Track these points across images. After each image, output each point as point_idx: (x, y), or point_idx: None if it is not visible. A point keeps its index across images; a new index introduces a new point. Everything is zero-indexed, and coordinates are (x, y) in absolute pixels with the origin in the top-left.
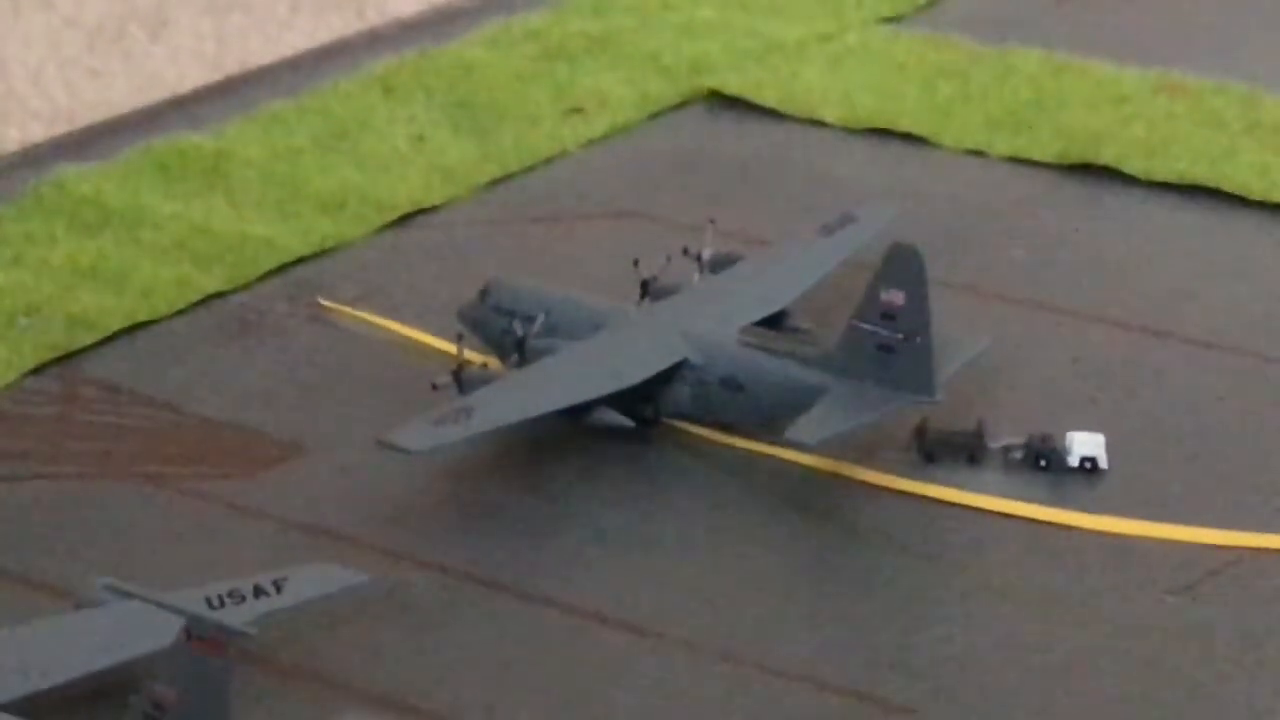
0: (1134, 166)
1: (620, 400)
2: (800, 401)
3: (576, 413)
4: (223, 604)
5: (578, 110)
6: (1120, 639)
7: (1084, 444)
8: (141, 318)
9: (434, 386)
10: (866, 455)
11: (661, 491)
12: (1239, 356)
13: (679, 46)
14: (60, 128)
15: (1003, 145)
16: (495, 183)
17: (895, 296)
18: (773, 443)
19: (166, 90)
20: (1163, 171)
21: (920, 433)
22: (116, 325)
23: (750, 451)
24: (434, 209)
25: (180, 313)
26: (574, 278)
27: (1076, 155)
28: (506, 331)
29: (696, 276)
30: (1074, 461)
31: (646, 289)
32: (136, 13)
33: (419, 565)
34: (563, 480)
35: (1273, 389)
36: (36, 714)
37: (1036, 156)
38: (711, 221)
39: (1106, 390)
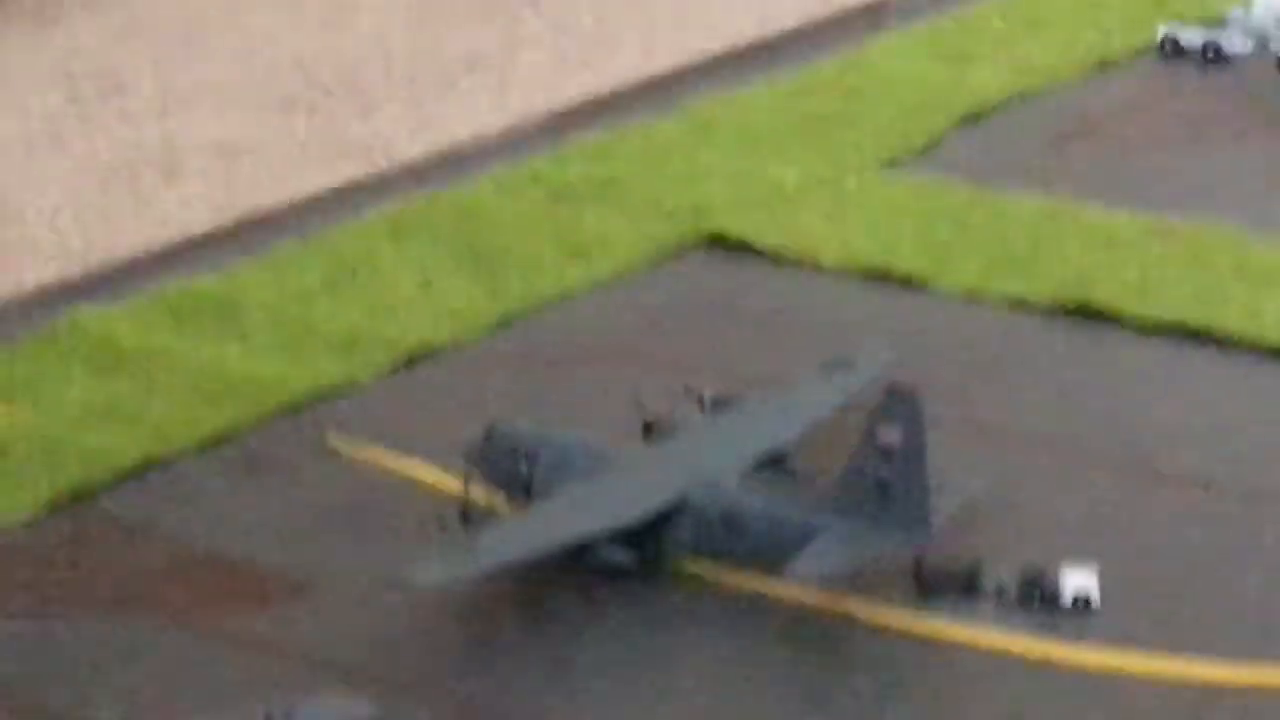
0: (1127, 308)
1: (624, 538)
2: (800, 539)
3: (581, 552)
4: None
5: (580, 254)
6: None
7: (1077, 579)
8: (154, 455)
9: (441, 524)
10: (864, 590)
11: (663, 629)
12: (1229, 495)
13: (681, 191)
14: (74, 269)
15: (999, 288)
16: (501, 324)
17: (892, 436)
18: (772, 580)
19: (178, 232)
20: (1155, 313)
21: (917, 569)
22: (130, 463)
23: (750, 589)
24: (441, 350)
25: (192, 451)
26: (578, 417)
27: (1071, 298)
28: (512, 471)
29: (698, 417)
30: (1067, 600)
31: (649, 429)
32: (148, 157)
33: (425, 699)
34: (567, 617)
35: (1261, 526)
36: None
37: (1032, 299)
38: (712, 365)
39: (1099, 526)
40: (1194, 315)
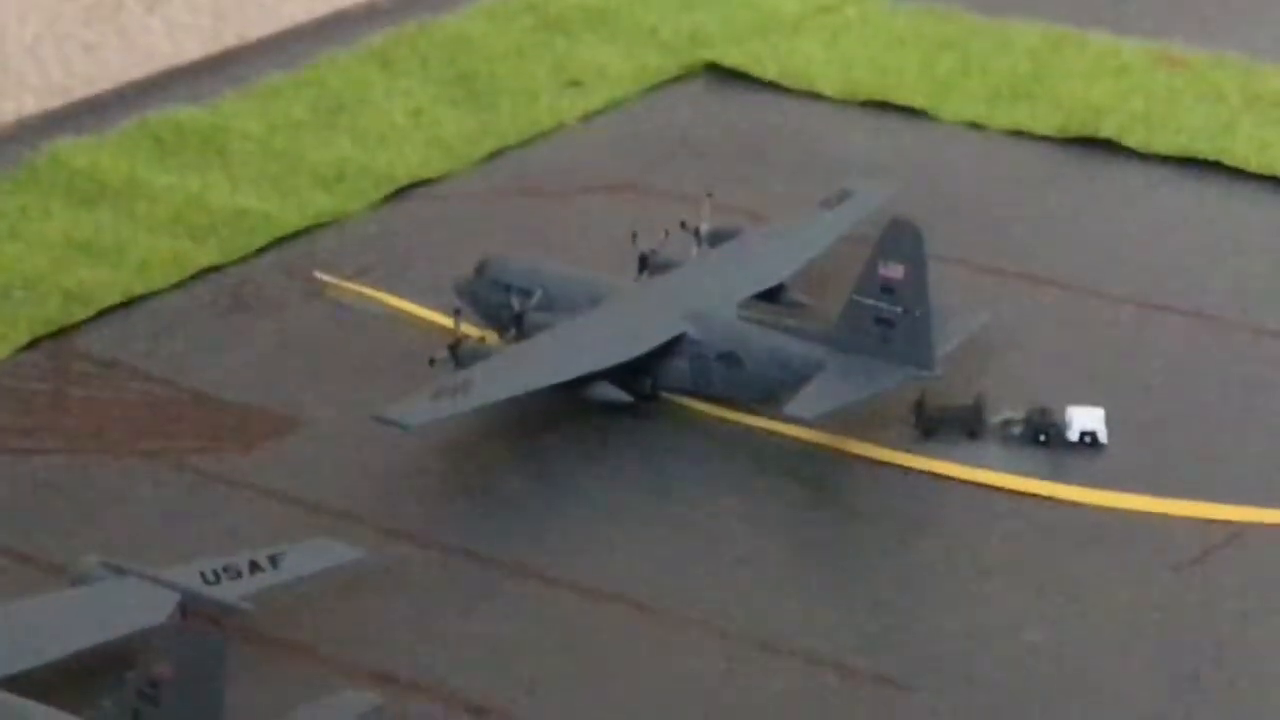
0: (1133, 140)
1: (618, 375)
2: (799, 376)
3: (574, 388)
4: (218, 579)
5: (576, 83)
6: (1120, 614)
7: (1084, 418)
8: (137, 292)
9: (431, 361)
10: (865, 430)
11: (659, 467)
12: (1238, 330)
13: (677, 20)
14: (55, 101)
15: (1002, 118)
16: (493, 156)
17: (894, 271)
18: (771, 417)
19: (163, 63)
20: (1162, 145)
21: (919, 407)
22: (112, 299)
23: (748, 426)
24: (431, 182)
25: (176, 287)
26: (571, 252)
27: (1076, 128)
28: (504, 306)
29: (695, 251)
30: (1074, 436)
31: (645, 263)
32: None
33: (415, 541)
34: (560, 456)
35: (1272, 362)
36: (30, 691)
37: (1036, 130)
38: (709, 195)
39: (1106, 364)
40: (1203, 145)
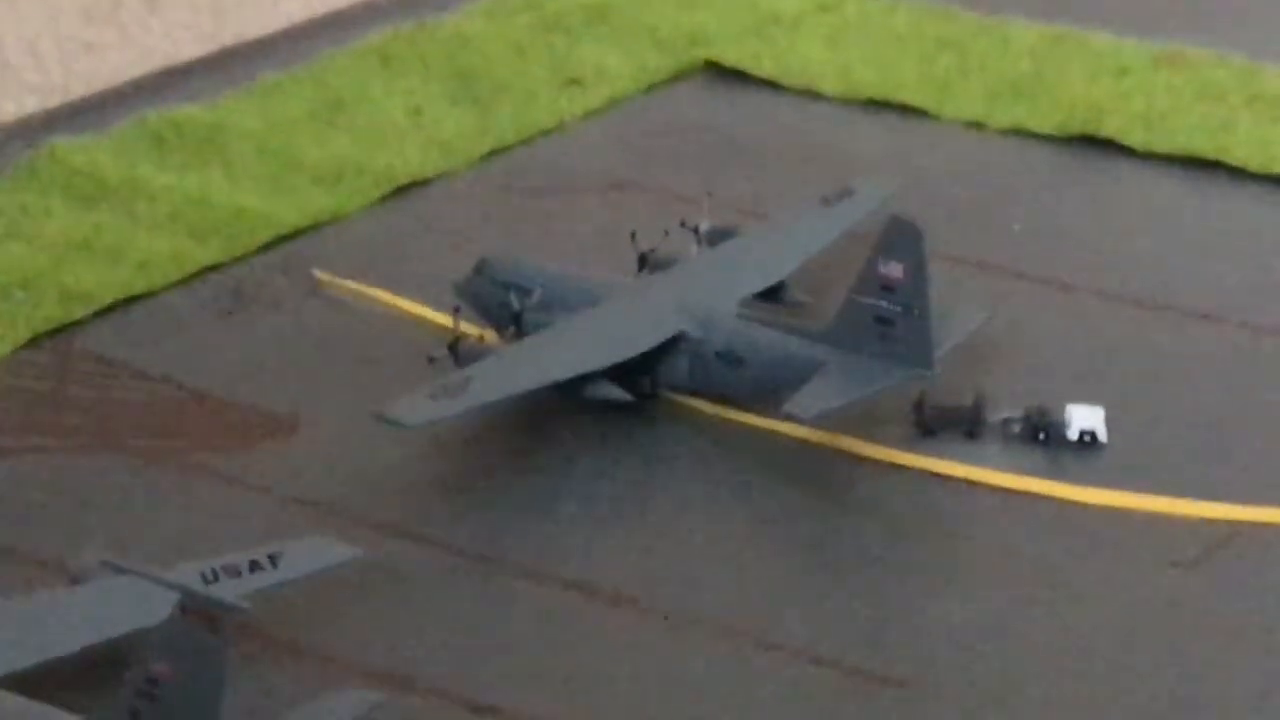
0: (1134, 139)
1: (617, 373)
2: (798, 375)
3: (573, 387)
4: (218, 578)
5: (575, 82)
6: (1121, 613)
7: (1083, 417)
8: (137, 290)
9: (430, 360)
10: (864, 428)
11: (658, 465)
12: (1238, 330)
13: (676, 18)
14: (55, 100)
15: (1002, 117)
16: (492, 155)
17: (894, 270)
18: (770, 416)
19: (162, 62)
20: (1163, 144)
21: (918, 406)
22: (111, 298)
23: (747, 425)
24: (431, 181)
25: (176, 285)
26: (571, 250)
27: (1076, 128)
28: (503, 305)
29: (694, 249)
30: (1073, 435)
31: (644, 262)
32: None
33: (415, 539)
34: (559, 454)
35: (1273, 361)
36: (30, 690)
37: (1036, 129)
38: (709, 194)
39: (1105, 364)
40: (1203, 145)
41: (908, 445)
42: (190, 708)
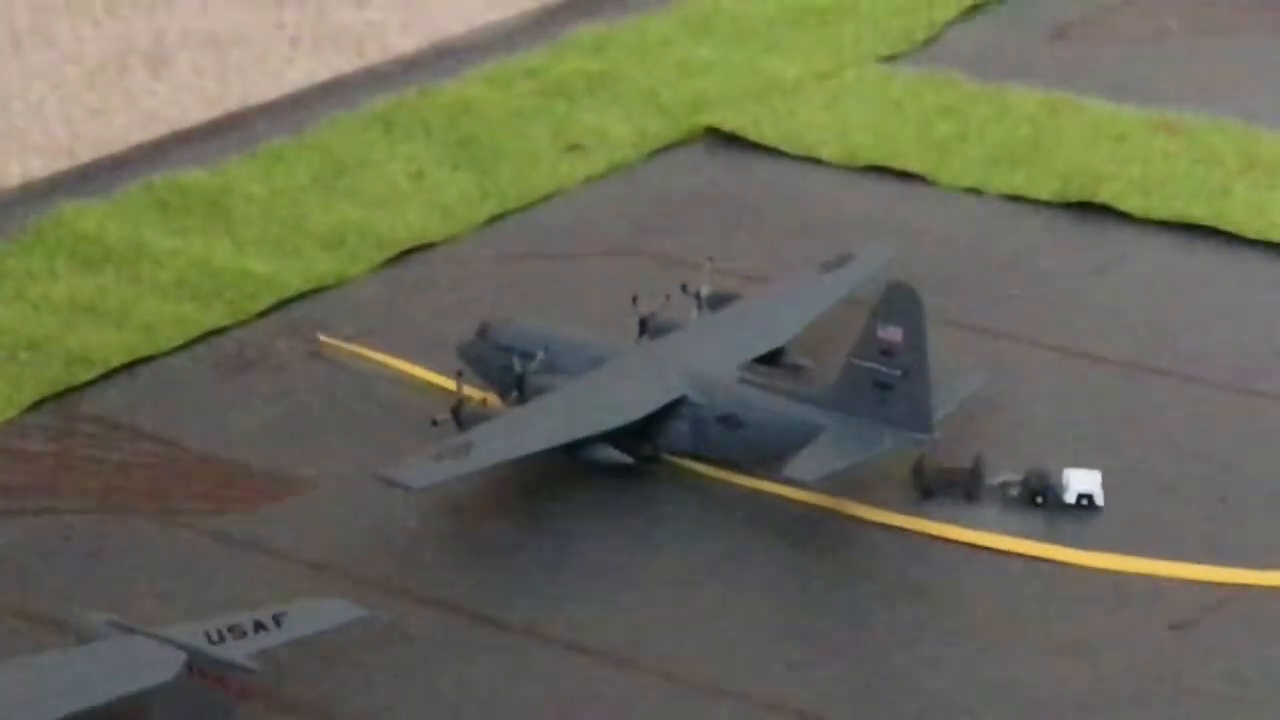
0: (1131, 205)
1: (619, 437)
2: (798, 439)
3: (575, 449)
4: (223, 639)
5: (577, 147)
6: (1118, 675)
7: (1081, 480)
8: (142, 354)
9: (434, 423)
10: (863, 491)
11: (659, 528)
12: (1235, 394)
13: (677, 84)
14: (61, 163)
15: (1000, 183)
16: (494, 220)
17: (893, 334)
18: (771, 479)
19: (167, 127)
20: (1160, 210)
21: (918, 469)
22: (116, 361)
23: (748, 488)
24: (433, 246)
25: (180, 349)
26: (573, 315)
27: (1074, 194)
28: (506, 368)
29: (695, 314)
30: (1071, 498)
31: (645, 326)
32: (137, 49)
33: (418, 601)
34: (561, 517)
35: (1269, 426)
36: None
37: (1034, 195)
38: (709, 259)
39: (1103, 427)
40: (1199, 210)
41: (907, 508)
42: None
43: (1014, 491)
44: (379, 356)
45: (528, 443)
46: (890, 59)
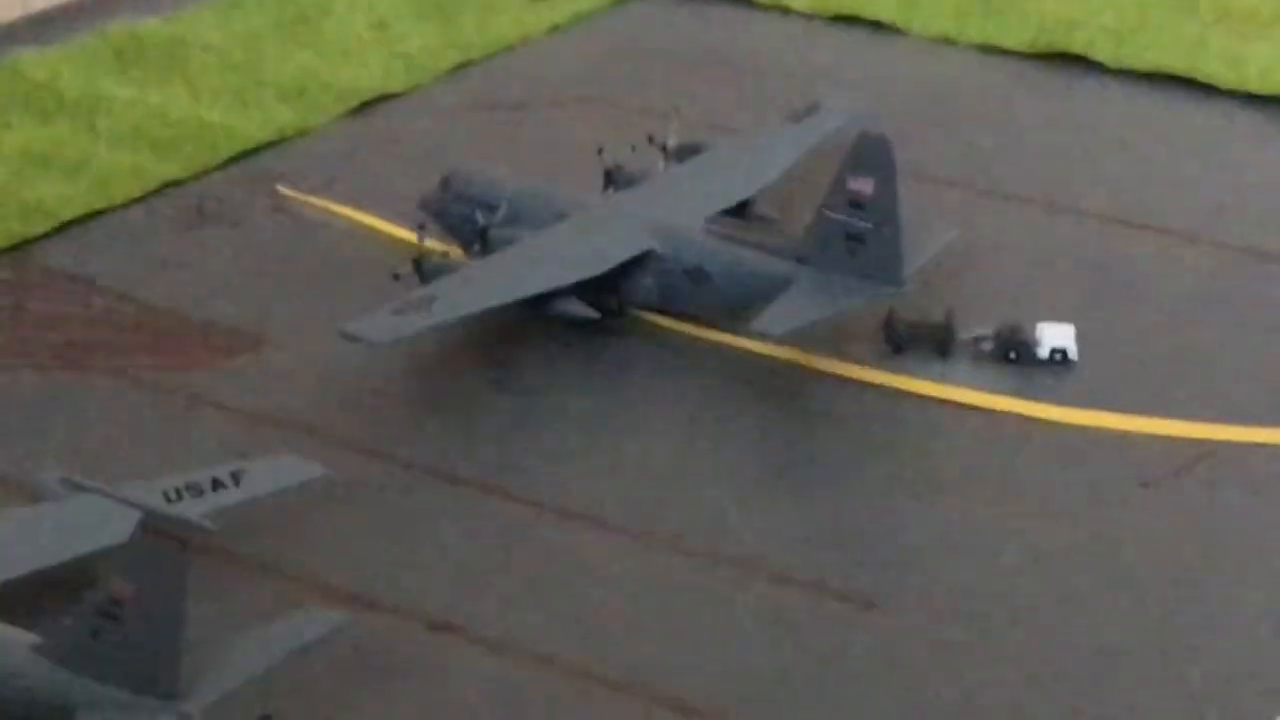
0: (1104, 54)
1: (585, 290)
2: (767, 291)
3: (540, 303)
4: (180, 497)
5: None
6: (1088, 531)
7: (1054, 335)
8: (97, 206)
9: (395, 276)
10: (834, 346)
11: (626, 383)
12: (1209, 246)
13: None
14: (14, 12)
15: (972, 32)
16: (458, 70)
17: (864, 185)
18: (739, 334)
19: None
20: (1133, 60)
21: (889, 323)
22: (71, 213)
23: (716, 342)
24: (395, 96)
25: (137, 201)
26: (537, 166)
27: (1046, 43)
28: (469, 221)
29: (661, 165)
30: (1044, 353)
31: (611, 178)
32: None
33: (379, 457)
34: (526, 372)
35: (1243, 279)
36: None
37: (1006, 44)
38: (676, 110)
39: (1076, 281)
40: (1174, 61)
41: (878, 363)
42: (152, 627)
43: (986, 346)
44: (340, 209)
45: (491, 296)
46: None
